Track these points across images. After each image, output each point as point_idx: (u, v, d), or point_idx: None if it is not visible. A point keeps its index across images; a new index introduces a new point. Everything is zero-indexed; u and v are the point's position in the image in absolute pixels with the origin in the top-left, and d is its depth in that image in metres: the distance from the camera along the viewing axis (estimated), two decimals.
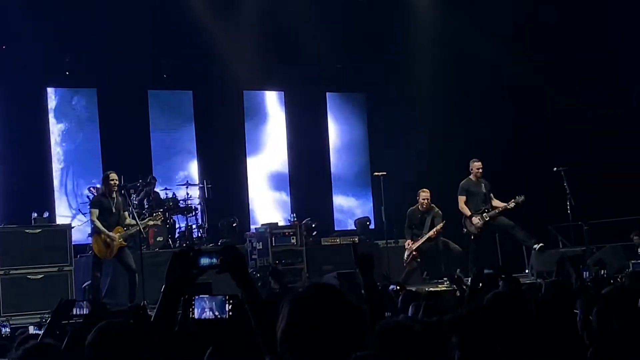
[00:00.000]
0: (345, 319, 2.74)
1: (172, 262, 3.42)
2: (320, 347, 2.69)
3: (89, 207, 12.60)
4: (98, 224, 11.91)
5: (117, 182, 12.17)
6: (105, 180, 12.17)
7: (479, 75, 17.04)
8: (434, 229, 13.50)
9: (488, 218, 13.45)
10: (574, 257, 11.27)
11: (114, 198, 12.06)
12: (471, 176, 13.75)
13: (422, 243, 13.58)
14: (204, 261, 3.41)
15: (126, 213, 12.30)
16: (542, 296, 6.52)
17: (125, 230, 12.08)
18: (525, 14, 16.60)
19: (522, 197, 13.48)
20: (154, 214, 13.19)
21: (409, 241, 13.78)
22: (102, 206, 12.04)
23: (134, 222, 12.19)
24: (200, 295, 3.49)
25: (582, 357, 4.29)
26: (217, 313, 3.44)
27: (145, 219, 13.67)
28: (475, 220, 13.43)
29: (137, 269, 11.93)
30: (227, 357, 3.55)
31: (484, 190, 13.64)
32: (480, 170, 13.68)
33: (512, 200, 13.49)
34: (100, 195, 12.29)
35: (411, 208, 13.91)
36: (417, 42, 17.44)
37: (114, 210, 12.02)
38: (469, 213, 13.45)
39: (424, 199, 13.72)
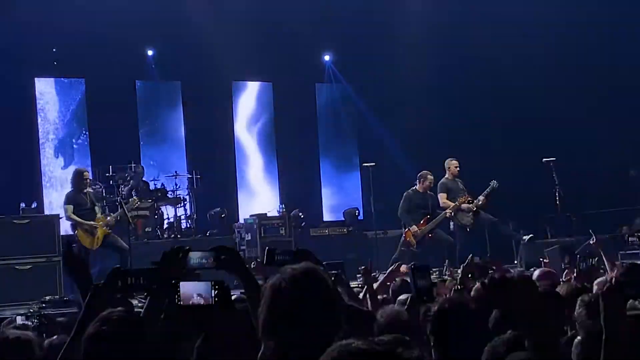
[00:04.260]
0: (325, 303, 2.73)
1: (162, 261, 3.43)
2: (301, 332, 2.68)
3: (63, 204, 12.60)
4: (75, 217, 12.14)
5: (89, 179, 12.59)
6: (79, 177, 12.38)
7: (468, 67, 17.04)
8: (462, 199, 13.33)
9: (475, 208, 13.47)
10: (566, 248, 11.32)
11: (86, 193, 12.32)
12: (448, 175, 13.76)
13: (438, 224, 13.45)
14: (194, 261, 3.44)
15: (97, 208, 12.47)
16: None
17: (107, 219, 12.34)
18: (515, 6, 16.57)
19: (496, 182, 13.52)
20: (130, 200, 13.21)
21: (414, 227, 13.35)
22: (76, 202, 12.23)
23: (103, 216, 12.40)
24: (186, 281, 3.50)
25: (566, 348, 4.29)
26: (202, 299, 3.45)
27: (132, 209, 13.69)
28: (466, 206, 13.45)
29: (127, 247, 12.22)
30: (218, 344, 3.54)
31: (462, 187, 13.67)
32: (458, 169, 13.72)
33: (488, 188, 13.51)
34: (74, 192, 12.40)
35: (409, 192, 13.67)
36: (405, 32, 17.38)
37: (89, 205, 12.26)
38: (456, 207, 13.44)
39: (431, 182, 13.61)
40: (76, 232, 12.21)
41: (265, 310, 2.77)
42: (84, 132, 16.77)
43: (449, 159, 13.84)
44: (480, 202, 13.48)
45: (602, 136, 16.26)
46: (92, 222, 12.08)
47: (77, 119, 16.81)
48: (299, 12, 16.60)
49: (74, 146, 16.72)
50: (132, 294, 3.61)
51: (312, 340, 2.65)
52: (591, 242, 11.05)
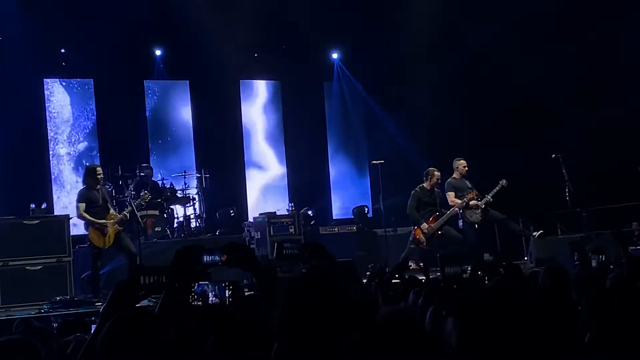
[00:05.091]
0: (341, 304, 2.73)
1: (176, 259, 3.45)
2: (317, 332, 2.68)
3: (75, 202, 12.54)
4: (87, 216, 11.92)
5: (102, 176, 12.28)
6: (92, 173, 12.13)
7: (476, 62, 17.00)
8: (470, 195, 13.34)
9: (484, 205, 13.46)
10: (576, 243, 11.29)
11: (99, 190, 12.09)
12: (455, 175, 13.75)
13: (447, 220, 13.45)
14: (207, 259, 3.47)
15: (109, 205, 12.32)
16: (540, 284, 6.51)
17: (118, 216, 12.13)
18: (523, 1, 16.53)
19: (505, 181, 13.51)
20: (142, 194, 13.07)
21: (424, 224, 13.34)
22: (89, 199, 12.01)
23: (115, 214, 12.23)
24: (201, 282, 3.51)
25: (578, 343, 4.28)
26: (218, 299, 3.47)
27: (142, 208, 13.65)
28: (474, 203, 13.44)
29: (137, 252, 12.00)
30: (230, 344, 3.56)
31: (469, 186, 13.66)
32: (466, 169, 13.72)
33: (497, 187, 13.50)
34: (86, 189, 12.24)
35: (417, 189, 13.58)
36: (413, 29, 17.35)
37: (101, 202, 12.02)
38: (464, 204, 13.44)
39: (438, 179, 13.64)
40: (89, 230, 12.18)
41: (282, 306, 2.77)
42: (93, 132, 16.80)
43: (457, 158, 13.83)
44: (489, 200, 13.47)
45: (611, 131, 16.21)
46: (103, 221, 11.90)
47: (86, 119, 16.83)
48: (307, 10, 16.59)
49: (83, 146, 16.75)
50: (154, 292, 3.62)
51: (327, 336, 2.66)
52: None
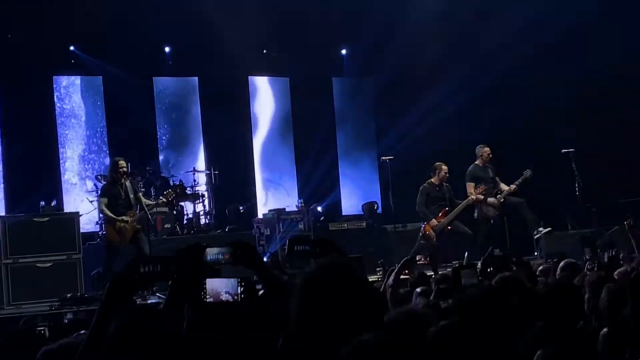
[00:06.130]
0: (357, 298, 2.73)
1: (179, 258, 3.44)
2: (333, 327, 2.67)
3: (97, 196, 12.50)
4: (108, 212, 11.79)
5: (125, 169, 12.06)
6: (115, 167, 11.98)
7: (486, 58, 16.94)
8: (479, 190, 13.30)
9: (502, 199, 13.42)
10: (587, 239, 11.26)
11: (122, 184, 11.88)
12: (478, 162, 13.71)
13: (458, 214, 13.42)
14: (211, 257, 3.46)
15: (140, 194, 12.18)
16: (554, 279, 6.51)
17: (138, 213, 11.85)
18: None
19: (530, 172, 13.45)
20: (165, 192, 12.95)
21: (433, 220, 13.32)
22: (111, 194, 11.88)
23: (150, 202, 12.17)
24: (212, 278, 3.50)
25: (591, 339, 4.27)
26: (229, 295, 3.46)
27: (166, 205, 13.57)
28: (492, 200, 13.41)
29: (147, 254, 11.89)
30: (239, 339, 3.55)
31: (491, 175, 13.61)
32: (490, 156, 13.67)
33: (521, 177, 13.46)
34: (109, 183, 12.18)
35: (425, 185, 13.56)
36: (423, 25, 17.29)
37: (123, 196, 11.83)
38: (482, 197, 13.41)
39: (446, 172, 13.59)
40: (106, 226, 12.14)
41: (297, 302, 2.76)
42: (102, 130, 16.82)
43: (481, 145, 13.78)
44: (515, 189, 13.41)
45: (621, 125, 16.16)
46: (122, 217, 11.72)
47: (95, 117, 16.86)
48: (316, 6, 16.56)
49: (92, 142, 16.77)
50: (150, 283, 3.60)
51: (346, 333, 2.65)
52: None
